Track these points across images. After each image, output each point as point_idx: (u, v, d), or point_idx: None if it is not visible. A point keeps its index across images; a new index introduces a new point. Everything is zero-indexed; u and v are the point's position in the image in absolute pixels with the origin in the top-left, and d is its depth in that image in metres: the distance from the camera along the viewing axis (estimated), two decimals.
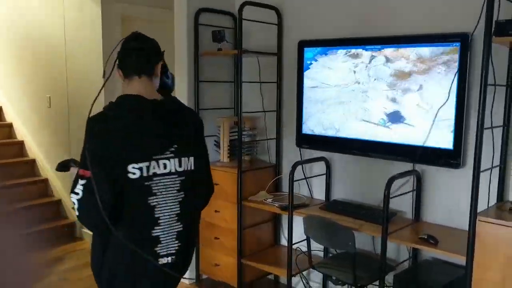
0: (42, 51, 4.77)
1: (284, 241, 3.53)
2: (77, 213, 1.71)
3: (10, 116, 5.31)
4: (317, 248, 3.18)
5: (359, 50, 2.87)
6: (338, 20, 3.11)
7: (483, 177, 2.20)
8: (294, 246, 3.02)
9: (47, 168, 4.90)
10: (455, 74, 2.49)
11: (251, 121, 3.55)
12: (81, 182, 1.69)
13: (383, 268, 2.50)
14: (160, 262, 1.76)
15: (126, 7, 4.20)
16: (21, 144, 5.15)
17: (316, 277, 3.36)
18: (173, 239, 1.79)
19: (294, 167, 2.93)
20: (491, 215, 2.17)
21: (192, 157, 1.85)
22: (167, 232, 1.78)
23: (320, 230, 2.67)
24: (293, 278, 3.01)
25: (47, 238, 4.37)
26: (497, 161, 2.43)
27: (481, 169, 2.12)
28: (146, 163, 1.72)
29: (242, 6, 3.08)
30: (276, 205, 3.10)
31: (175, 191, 1.79)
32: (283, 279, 3.44)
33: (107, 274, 1.77)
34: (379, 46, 2.78)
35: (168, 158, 1.78)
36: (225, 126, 3.40)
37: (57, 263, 4.00)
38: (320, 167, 3.24)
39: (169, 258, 1.78)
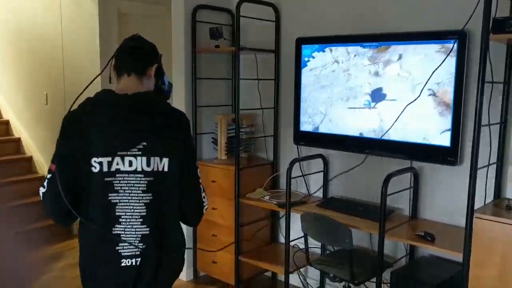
0: (39, 47, 4.75)
1: (281, 238, 3.54)
2: (44, 205, 1.75)
3: (6, 113, 5.29)
4: (315, 245, 3.19)
5: (357, 48, 2.86)
6: (335, 17, 3.10)
7: (480, 175, 2.20)
8: (291, 243, 3.02)
9: (44, 165, 4.89)
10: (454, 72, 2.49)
11: (249, 118, 3.55)
12: (48, 176, 1.71)
13: (380, 265, 2.51)
14: (123, 264, 1.68)
15: (123, 3, 4.18)
16: (17, 141, 5.14)
17: (313, 274, 3.36)
18: (137, 242, 1.69)
19: (291, 164, 2.93)
20: (488, 212, 2.17)
21: (167, 159, 1.73)
22: (129, 233, 1.69)
23: (318, 227, 2.67)
24: (290, 275, 3.02)
25: (45, 236, 4.37)
26: (494, 159, 2.43)
27: (478, 166, 2.13)
28: (108, 158, 1.67)
29: (239, 3, 3.07)
30: (274, 202, 3.10)
31: (140, 191, 1.70)
32: (281, 276, 3.44)
33: (81, 271, 1.77)
34: (376, 43, 2.78)
35: (134, 156, 1.69)
36: (223, 123, 3.40)
37: (55, 260, 3.99)
38: (317, 164, 3.24)
39: (134, 260, 1.69)
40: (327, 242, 2.91)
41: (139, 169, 1.69)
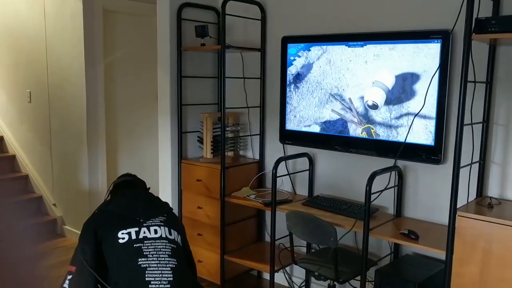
0: (22, 44, 4.69)
1: (267, 237, 3.54)
2: None
3: None
4: (300, 243, 3.20)
5: (342, 47, 2.88)
6: (321, 16, 3.11)
7: (463, 173, 2.22)
8: (277, 242, 3.03)
9: (28, 164, 4.83)
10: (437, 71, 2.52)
11: (235, 117, 3.54)
12: (69, 277, 1.82)
13: (364, 263, 2.52)
14: None
15: (108, 0, 4.14)
16: (0, 140, 5.06)
17: (299, 272, 3.37)
18: None
19: (277, 163, 2.93)
20: (471, 210, 2.20)
21: (180, 236, 1.99)
22: None
23: (302, 226, 2.68)
24: (276, 274, 3.02)
25: (29, 235, 4.31)
26: (476, 157, 2.46)
27: (461, 165, 2.15)
28: (135, 228, 1.85)
29: (225, 1, 3.06)
30: (259, 201, 3.10)
31: (167, 255, 1.85)
32: (267, 275, 3.45)
33: None
34: (361, 43, 2.79)
35: (158, 225, 1.91)
36: (208, 122, 3.39)
37: (39, 259, 3.94)
38: (303, 163, 3.25)
39: None
40: (312, 241, 2.91)
41: (164, 235, 1.90)
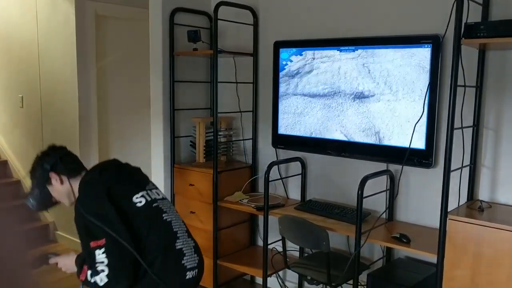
0: (15, 50, 4.67)
1: (260, 242, 3.54)
2: (106, 280, 1.68)
3: None
4: (293, 248, 3.20)
5: (334, 52, 2.89)
6: (313, 21, 3.13)
7: (454, 177, 2.24)
8: (270, 247, 3.03)
9: (20, 169, 4.80)
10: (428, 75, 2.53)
11: (227, 121, 3.55)
12: (99, 251, 1.70)
13: (357, 267, 2.53)
14: (187, 276, 1.89)
15: (100, 5, 4.14)
16: None
17: (292, 277, 3.37)
18: (192, 253, 1.93)
19: (269, 167, 2.93)
20: (461, 213, 2.21)
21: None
22: (186, 246, 1.92)
23: (295, 230, 2.68)
24: (269, 278, 3.02)
25: (20, 241, 4.28)
26: (467, 161, 2.48)
27: (452, 168, 2.16)
28: (144, 192, 1.92)
29: (217, 6, 3.07)
30: (252, 205, 3.10)
31: (175, 211, 2.00)
32: (259, 280, 3.44)
33: None
34: (353, 47, 2.81)
35: (156, 188, 2.02)
36: (201, 127, 3.39)
37: (31, 265, 3.91)
38: (295, 167, 3.25)
39: (193, 272, 1.91)
40: (305, 245, 2.92)
41: (164, 197, 2.02)
